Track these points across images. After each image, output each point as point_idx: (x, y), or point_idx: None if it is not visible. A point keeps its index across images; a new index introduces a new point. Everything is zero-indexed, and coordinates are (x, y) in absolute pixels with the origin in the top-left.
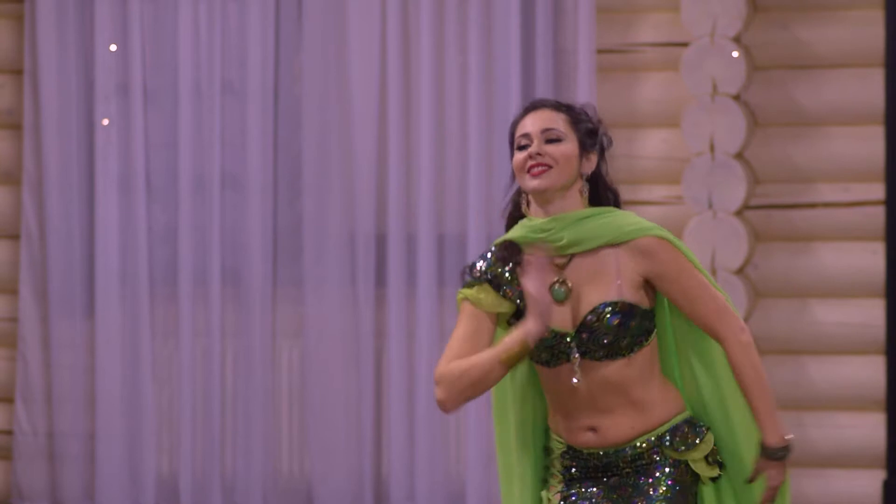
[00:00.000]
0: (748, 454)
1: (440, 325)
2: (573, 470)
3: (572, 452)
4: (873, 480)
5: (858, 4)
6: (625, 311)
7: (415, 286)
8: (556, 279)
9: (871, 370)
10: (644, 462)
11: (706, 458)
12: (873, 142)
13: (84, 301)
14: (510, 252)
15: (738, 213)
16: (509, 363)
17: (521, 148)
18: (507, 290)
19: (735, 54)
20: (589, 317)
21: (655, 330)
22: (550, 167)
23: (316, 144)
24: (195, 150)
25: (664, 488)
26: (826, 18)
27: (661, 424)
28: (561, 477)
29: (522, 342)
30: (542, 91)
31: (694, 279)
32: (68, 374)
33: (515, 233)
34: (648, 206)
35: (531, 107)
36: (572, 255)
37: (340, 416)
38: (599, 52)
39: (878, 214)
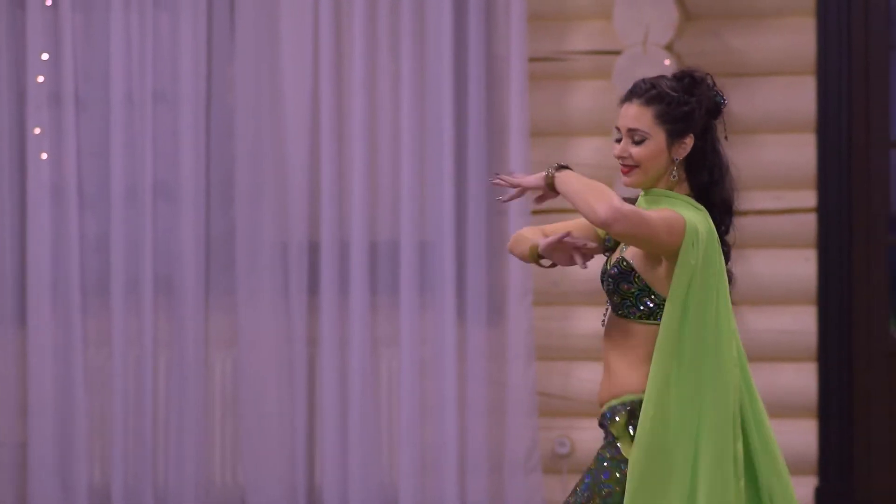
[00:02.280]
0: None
1: (372, 333)
2: None
3: None
4: (806, 487)
5: (790, 12)
6: (623, 270)
7: (347, 294)
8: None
9: (803, 377)
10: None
11: (628, 434)
12: (805, 149)
13: (16, 310)
14: None
15: None
16: None
17: (617, 140)
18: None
19: (667, 62)
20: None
21: (658, 324)
22: (636, 167)
23: (248, 153)
24: (127, 158)
25: (606, 463)
26: (757, 26)
27: (611, 398)
28: None
29: None
30: (475, 98)
31: None
32: (0, 383)
33: None
34: None
35: (629, 94)
36: None
37: (273, 425)
38: (531, 59)
39: (810, 222)
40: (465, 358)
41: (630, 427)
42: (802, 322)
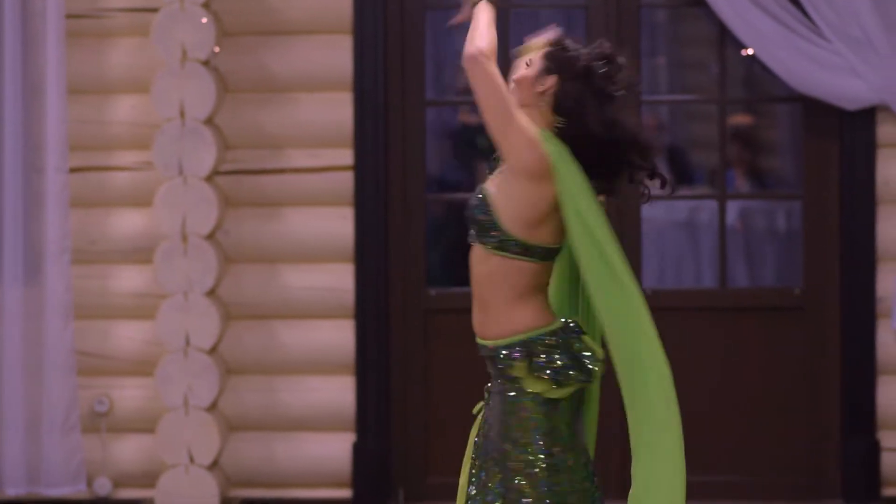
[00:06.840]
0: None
1: None
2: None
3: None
4: (344, 444)
5: None
6: (484, 201)
7: None
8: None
9: (341, 334)
10: (493, 371)
11: (532, 374)
12: (342, 108)
13: None
14: None
15: (209, 179)
16: None
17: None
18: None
19: (204, 20)
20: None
21: (516, 260)
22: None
23: None
24: None
25: (495, 400)
26: None
27: (499, 338)
28: None
29: None
30: (11, 55)
31: None
32: None
33: None
34: (119, 171)
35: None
36: None
37: None
38: (69, 17)
39: (347, 180)
40: (2, 317)
41: (530, 365)
42: (340, 279)
